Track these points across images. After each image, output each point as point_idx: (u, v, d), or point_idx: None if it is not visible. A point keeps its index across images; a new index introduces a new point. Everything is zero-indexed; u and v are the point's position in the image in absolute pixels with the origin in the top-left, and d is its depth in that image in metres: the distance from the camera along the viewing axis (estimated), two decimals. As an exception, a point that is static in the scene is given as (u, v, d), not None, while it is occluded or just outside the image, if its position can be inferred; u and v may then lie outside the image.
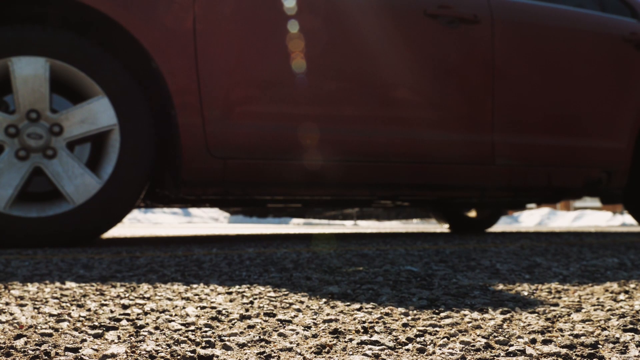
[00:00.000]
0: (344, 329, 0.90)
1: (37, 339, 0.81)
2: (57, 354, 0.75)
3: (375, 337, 0.85)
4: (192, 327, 0.91)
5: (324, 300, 1.16)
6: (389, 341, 0.83)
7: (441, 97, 2.96)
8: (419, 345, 0.81)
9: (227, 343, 0.82)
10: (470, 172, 3.08)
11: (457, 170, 3.05)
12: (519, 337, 0.86)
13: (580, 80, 3.28)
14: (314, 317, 0.99)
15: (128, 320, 0.95)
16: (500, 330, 0.90)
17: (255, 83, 2.57)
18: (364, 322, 0.96)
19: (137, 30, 2.32)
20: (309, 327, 0.92)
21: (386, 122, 2.84)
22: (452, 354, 0.77)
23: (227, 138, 2.49)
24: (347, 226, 12.04)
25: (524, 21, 3.13)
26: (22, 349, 0.76)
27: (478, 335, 0.87)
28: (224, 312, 1.03)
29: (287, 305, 1.10)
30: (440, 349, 0.79)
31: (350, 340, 0.84)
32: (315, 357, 0.76)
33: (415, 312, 1.04)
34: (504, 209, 5.27)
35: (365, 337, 0.85)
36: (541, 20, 3.17)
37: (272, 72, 2.58)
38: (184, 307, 1.07)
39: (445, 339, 0.84)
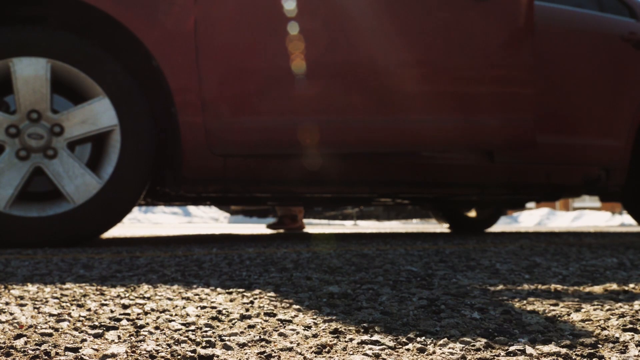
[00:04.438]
0: (344, 329, 0.90)
1: (37, 339, 0.81)
2: (57, 353, 0.75)
3: (375, 337, 0.85)
4: (193, 327, 0.91)
5: (324, 300, 1.16)
6: (389, 341, 0.84)
7: (441, 95, 2.95)
8: (419, 345, 0.81)
9: (228, 343, 0.82)
10: (470, 169, 3.09)
11: (457, 168, 3.06)
12: (519, 336, 0.86)
13: (579, 79, 3.29)
14: (314, 316, 1.00)
15: (128, 320, 0.95)
16: (500, 330, 0.91)
17: (255, 81, 2.57)
18: (364, 321, 0.96)
19: (138, 29, 2.32)
20: (309, 327, 0.92)
21: (386, 120, 2.84)
22: (452, 353, 0.77)
23: (227, 136, 2.50)
24: (347, 226, 12.05)
25: None
26: (22, 349, 0.76)
27: (478, 335, 0.87)
28: (224, 311, 1.03)
29: (288, 305, 1.10)
30: (440, 349, 0.80)
31: (351, 339, 0.84)
32: (315, 356, 0.76)
33: (415, 312, 1.04)
34: (504, 207, 5.27)
35: (365, 337, 0.85)
36: (540, 19, 3.17)
37: (272, 71, 2.58)
38: (184, 307, 1.07)
39: (446, 339, 0.84)
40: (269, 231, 4.98)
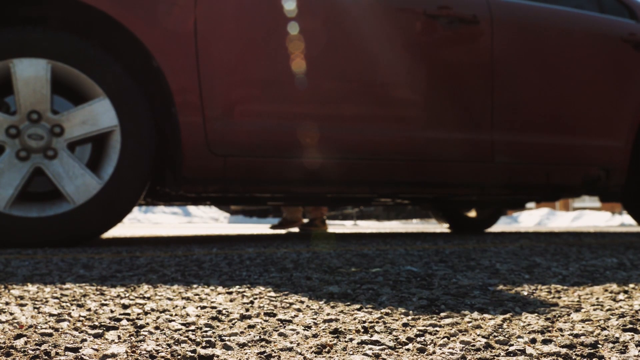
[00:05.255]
0: (344, 329, 0.90)
1: (37, 339, 0.81)
2: (57, 353, 0.75)
3: (375, 337, 0.85)
4: (193, 327, 0.91)
5: (324, 300, 1.16)
6: (389, 341, 0.84)
7: (441, 96, 2.96)
8: (419, 345, 0.81)
9: (228, 343, 0.82)
10: (470, 169, 3.09)
11: (457, 168, 3.06)
12: (519, 336, 0.86)
13: (578, 80, 3.29)
14: (314, 317, 1.00)
15: (128, 320, 0.95)
16: (500, 330, 0.91)
17: (255, 82, 2.58)
18: (364, 321, 0.96)
19: (138, 29, 2.32)
20: (309, 327, 0.92)
21: (386, 120, 2.84)
22: (452, 353, 0.77)
23: (227, 136, 2.50)
24: (346, 226, 12.05)
25: (523, 22, 3.13)
26: (22, 349, 0.76)
27: (478, 335, 0.87)
28: (224, 312, 1.03)
29: (288, 305, 1.10)
30: (440, 349, 0.80)
31: (351, 340, 0.84)
32: (315, 356, 0.76)
33: (415, 312, 1.04)
34: (504, 208, 5.27)
35: (365, 337, 0.86)
36: (540, 20, 3.18)
37: (272, 71, 2.58)
38: (184, 307, 1.07)
39: (446, 339, 0.84)
40: (271, 231, 4.98)
